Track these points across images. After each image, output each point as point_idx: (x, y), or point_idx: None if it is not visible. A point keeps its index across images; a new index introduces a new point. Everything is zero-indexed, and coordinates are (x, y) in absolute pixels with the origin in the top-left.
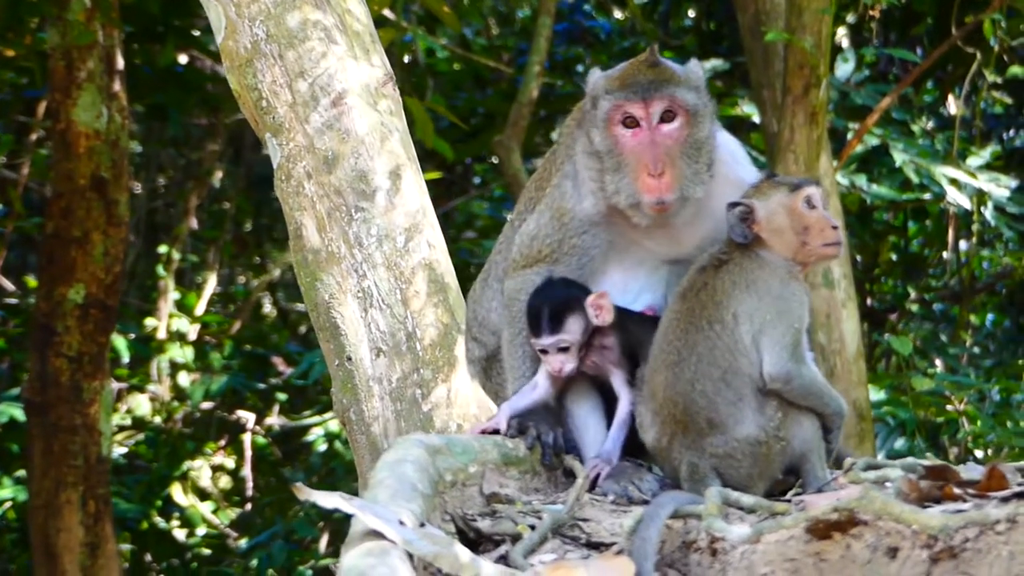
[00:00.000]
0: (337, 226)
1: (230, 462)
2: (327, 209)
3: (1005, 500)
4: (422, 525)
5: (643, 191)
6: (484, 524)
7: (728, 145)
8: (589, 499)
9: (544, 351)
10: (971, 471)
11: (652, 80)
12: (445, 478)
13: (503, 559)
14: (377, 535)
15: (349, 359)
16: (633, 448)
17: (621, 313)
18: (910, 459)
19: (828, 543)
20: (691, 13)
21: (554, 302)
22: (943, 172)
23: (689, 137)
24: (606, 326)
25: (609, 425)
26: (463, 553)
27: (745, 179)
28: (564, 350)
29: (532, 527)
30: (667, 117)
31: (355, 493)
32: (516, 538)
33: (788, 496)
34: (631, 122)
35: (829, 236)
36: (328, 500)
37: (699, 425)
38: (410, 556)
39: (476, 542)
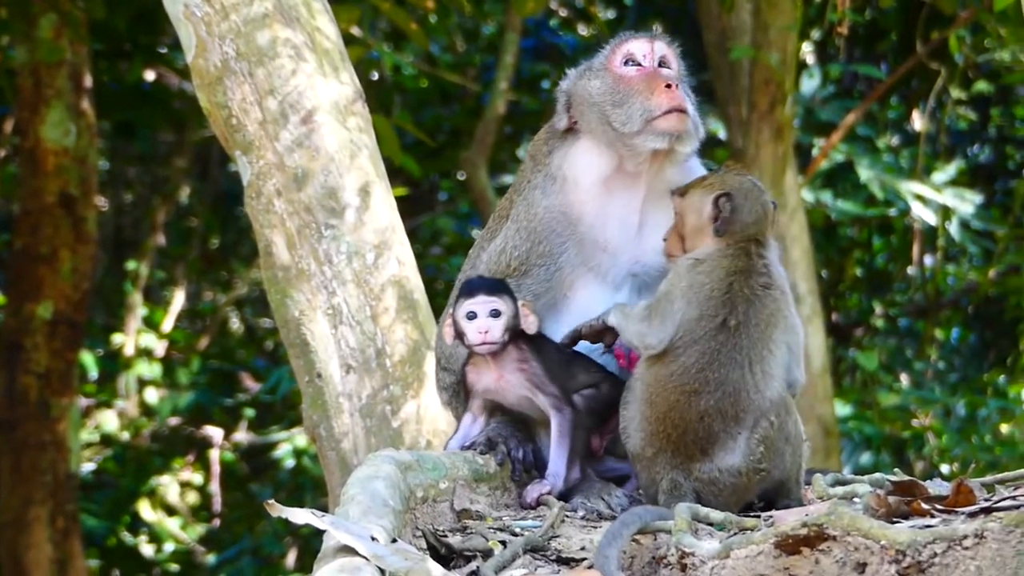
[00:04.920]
0: (307, 243)
1: (198, 478)
2: (297, 226)
3: (972, 515)
4: (394, 541)
5: (659, 102)
6: (455, 540)
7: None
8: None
9: (472, 316)
10: (938, 487)
11: (653, 34)
12: (416, 494)
13: (474, 575)
14: (350, 551)
15: (319, 376)
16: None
17: (545, 340)
18: (878, 474)
19: (797, 558)
20: (656, 29)
21: (494, 279)
22: (908, 188)
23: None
24: (523, 350)
25: None
26: (435, 569)
27: None
28: (496, 316)
29: (503, 543)
30: (664, 63)
31: (323, 508)
32: (487, 554)
33: (757, 511)
34: (633, 62)
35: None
36: (300, 516)
37: (691, 450)
38: (382, 572)
39: (447, 558)
